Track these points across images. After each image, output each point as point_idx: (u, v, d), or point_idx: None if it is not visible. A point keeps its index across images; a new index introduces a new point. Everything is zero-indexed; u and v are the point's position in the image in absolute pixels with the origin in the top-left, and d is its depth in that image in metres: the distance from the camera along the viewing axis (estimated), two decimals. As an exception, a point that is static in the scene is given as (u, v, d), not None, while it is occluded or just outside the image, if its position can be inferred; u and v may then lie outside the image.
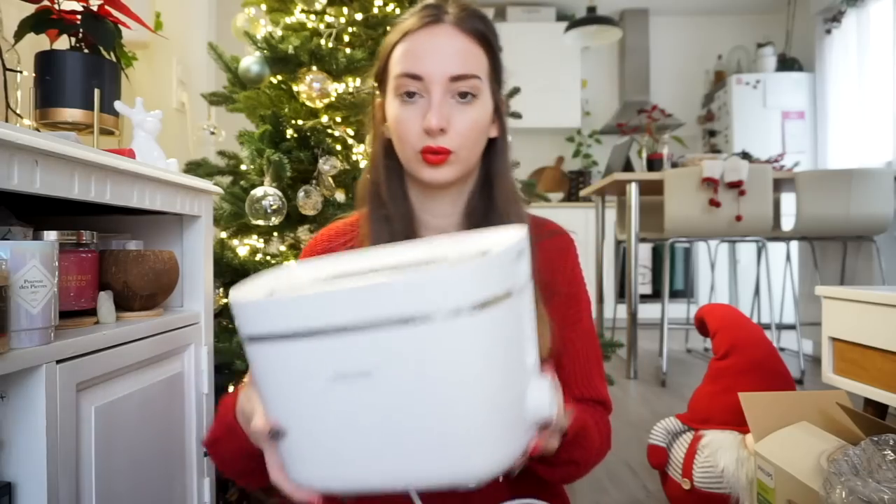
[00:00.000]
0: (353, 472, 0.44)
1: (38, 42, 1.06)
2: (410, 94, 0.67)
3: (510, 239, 0.43)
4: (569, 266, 0.77)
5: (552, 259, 0.76)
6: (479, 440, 0.42)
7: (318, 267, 0.51)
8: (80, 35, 1.04)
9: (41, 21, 0.99)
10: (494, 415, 0.43)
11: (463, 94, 0.67)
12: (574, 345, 0.74)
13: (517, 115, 1.76)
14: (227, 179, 1.66)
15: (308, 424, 0.44)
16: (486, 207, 0.73)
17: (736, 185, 2.65)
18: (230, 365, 1.29)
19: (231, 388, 1.38)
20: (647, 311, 4.03)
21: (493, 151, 0.75)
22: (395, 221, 0.72)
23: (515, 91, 1.79)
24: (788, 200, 3.17)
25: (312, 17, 1.63)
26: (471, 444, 0.42)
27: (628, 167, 3.45)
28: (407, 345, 0.39)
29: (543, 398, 0.46)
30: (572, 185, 5.13)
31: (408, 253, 0.50)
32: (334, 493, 0.48)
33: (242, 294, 0.44)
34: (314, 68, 1.50)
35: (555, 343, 0.71)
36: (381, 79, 0.73)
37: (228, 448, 0.62)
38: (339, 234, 0.78)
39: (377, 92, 0.76)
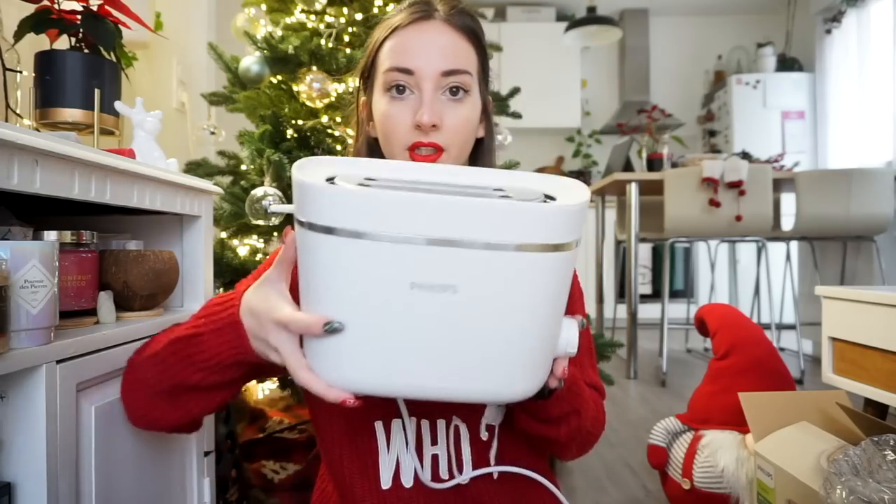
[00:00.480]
0: (401, 377, 0.46)
1: (38, 42, 1.06)
2: (400, 89, 0.66)
3: (585, 194, 0.46)
4: None
5: None
6: (529, 364, 0.47)
7: (394, 168, 0.50)
8: (80, 35, 1.04)
9: (41, 21, 0.99)
10: (545, 344, 0.48)
11: (454, 91, 0.66)
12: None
13: (517, 115, 1.75)
14: (227, 179, 1.66)
15: (373, 325, 0.44)
16: None
17: (736, 185, 2.65)
18: (230, 365, 1.29)
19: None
20: (647, 311, 4.03)
21: (480, 152, 0.74)
22: None
23: (515, 91, 1.79)
24: (788, 200, 3.17)
25: (312, 17, 1.63)
26: (521, 367, 0.46)
27: (628, 167, 3.45)
28: (495, 268, 0.42)
29: (573, 336, 0.50)
30: (572, 185, 5.12)
31: (477, 177, 0.50)
32: (371, 394, 0.48)
33: (314, 177, 0.42)
34: (314, 68, 1.50)
35: None
36: (367, 76, 0.72)
37: (206, 349, 0.57)
38: None
39: (361, 90, 0.74)
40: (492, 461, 0.71)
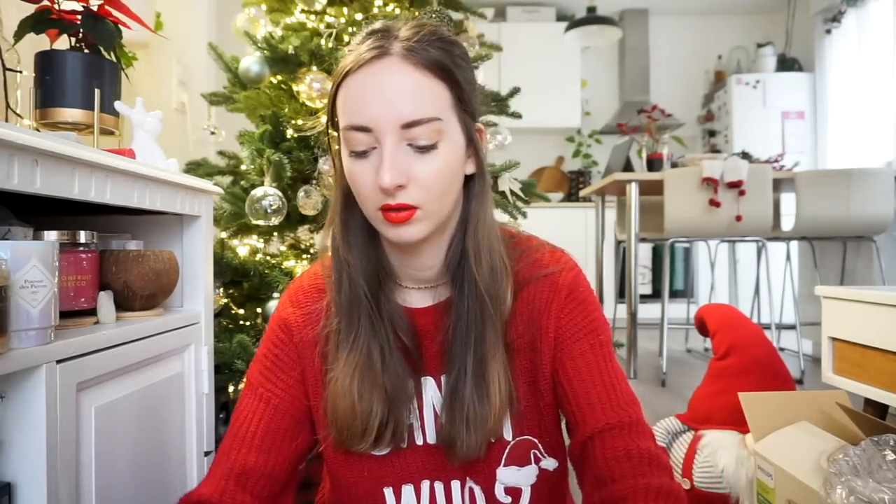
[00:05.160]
0: None
1: (38, 42, 1.06)
2: (361, 153, 0.58)
3: None
4: (553, 313, 0.67)
5: (533, 309, 0.67)
6: None
7: None
8: (80, 35, 1.04)
9: (41, 21, 0.99)
10: None
11: (421, 147, 0.57)
12: (586, 374, 0.66)
13: (517, 115, 1.75)
14: (227, 179, 1.66)
15: None
16: (462, 254, 0.65)
17: (736, 185, 2.65)
18: (230, 365, 1.29)
19: (231, 388, 1.38)
20: (647, 311, 4.03)
21: (472, 191, 0.65)
22: (359, 279, 0.64)
23: (515, 91, 1.79)
24: (788, 200, 3.17)
25: (312, 17, 1.63)
26: None
27: (628, 167, 3.45)
28: None
29: None
30: (572, 185, 5.13)
31: None
32: None
33: None
34: (314, 68, 1.50)
35: (523, 403, 0.66)
36: (336, 124, 0.63)
37: None
38: (312, 293, 0.70)
39: (333, 138, 0.65)
40: None
